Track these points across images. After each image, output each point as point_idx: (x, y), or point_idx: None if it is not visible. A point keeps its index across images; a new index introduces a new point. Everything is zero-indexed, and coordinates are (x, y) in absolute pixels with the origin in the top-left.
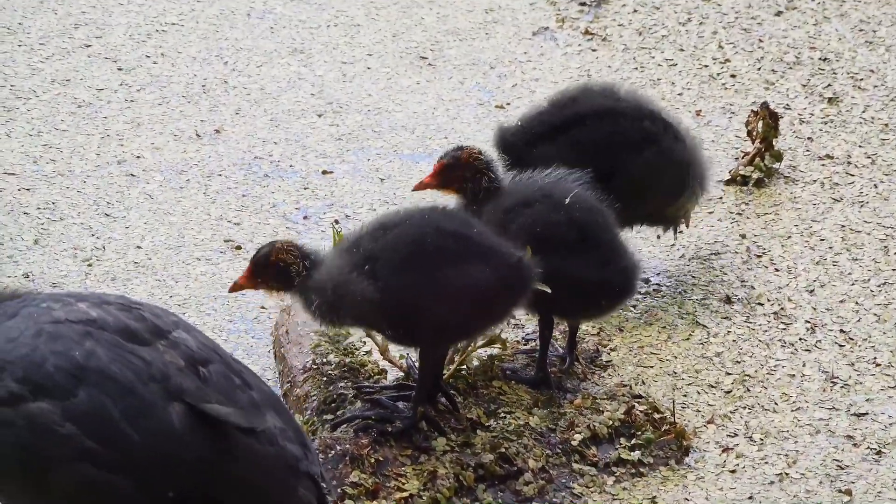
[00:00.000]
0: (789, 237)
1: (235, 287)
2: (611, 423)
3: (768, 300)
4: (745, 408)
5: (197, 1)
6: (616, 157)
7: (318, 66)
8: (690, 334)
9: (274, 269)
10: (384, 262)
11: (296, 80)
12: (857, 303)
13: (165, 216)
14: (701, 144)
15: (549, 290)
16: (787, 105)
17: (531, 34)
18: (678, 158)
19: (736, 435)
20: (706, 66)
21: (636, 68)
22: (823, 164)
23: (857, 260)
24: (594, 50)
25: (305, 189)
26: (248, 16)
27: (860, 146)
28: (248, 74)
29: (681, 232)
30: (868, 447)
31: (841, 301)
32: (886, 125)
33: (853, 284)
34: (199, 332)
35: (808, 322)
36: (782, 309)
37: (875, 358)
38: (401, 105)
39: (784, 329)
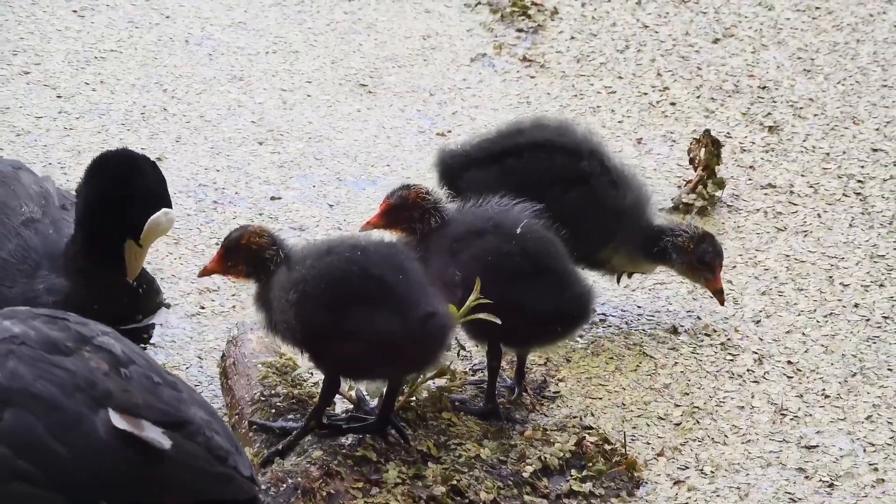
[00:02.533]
0: (734, 266)
1: (205, 272)
2: (561, 454)
3: (715, 331)
4: (695, 440)
5: (135, 27)
6: (544, 191)
7: (257, 94)
8: (638, 365)
9: (245, 252)
10: (307, 289)
11: (236, 108)
12: (803, 333)
13: None
14: (651, 204)
15: (498, 321)
16: (728, 133)
17: (469, 61)
18: (608, 204)
19: (687, 468)
20: (645, 93)
21: (575, 95)
22: (766, 193)
23: (802, 290)
24: (532, 77)
25: (260, 215)
26: (187, 42)
27: (802, 175)
28: (188, 102)
29: (623, 283)
30: (820, 480)
31: (787, 332)
32: (828, 154)
33: (799, 315)
34: (127, 340)
35: (756, 353)
36: (729, 340)
37: (823, 389)
38: (342, 132)
39: (731, 360)
